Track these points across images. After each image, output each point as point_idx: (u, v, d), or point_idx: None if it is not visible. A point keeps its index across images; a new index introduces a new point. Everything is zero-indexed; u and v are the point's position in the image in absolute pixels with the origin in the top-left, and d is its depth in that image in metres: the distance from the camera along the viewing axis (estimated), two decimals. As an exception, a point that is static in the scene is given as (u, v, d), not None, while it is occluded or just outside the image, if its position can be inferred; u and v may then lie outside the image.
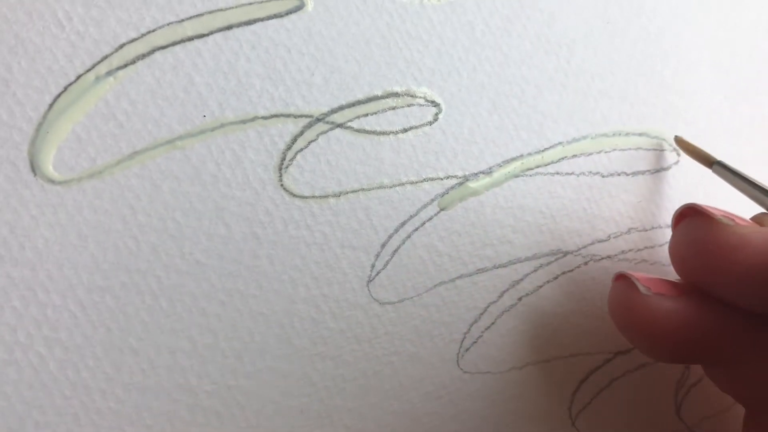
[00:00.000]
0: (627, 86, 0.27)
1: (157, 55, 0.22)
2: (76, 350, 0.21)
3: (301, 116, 0.23)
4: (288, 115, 0.23)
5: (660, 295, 0.21)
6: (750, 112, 0.29)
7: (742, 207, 0.24)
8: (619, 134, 0.27)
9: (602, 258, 0.26)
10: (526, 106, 0.25)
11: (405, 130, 0.24)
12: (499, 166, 0.25)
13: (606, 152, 0.26)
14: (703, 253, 0.21)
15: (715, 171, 0.25)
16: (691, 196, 0.28)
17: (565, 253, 0.26)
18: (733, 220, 0.21)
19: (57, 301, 0.21)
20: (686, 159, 0.28)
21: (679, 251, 0.22)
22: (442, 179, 0.24)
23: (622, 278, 0.23)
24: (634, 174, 0.27)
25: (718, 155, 0.28)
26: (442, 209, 0.24)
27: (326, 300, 0.23)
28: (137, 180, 0.21)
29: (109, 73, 0.21)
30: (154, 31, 0.22)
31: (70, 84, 0.21)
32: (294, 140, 0.23)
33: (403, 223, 0.24)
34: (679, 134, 0.27)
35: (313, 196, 0.23)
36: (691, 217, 0.22)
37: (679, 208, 0.23)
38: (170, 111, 0.22)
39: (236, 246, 0.22)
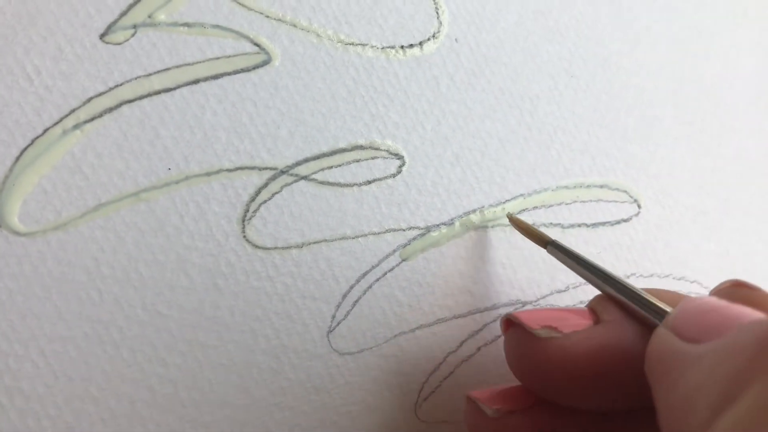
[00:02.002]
0: (589, 139, 0.27)
1: (125, 108, 0.22)
2: (38, 400, 0.21)
3: (265, 168, 0.23)
4: (253, 168, 0.23)
5: (508, 414, 0.22)
6: (712, 164, 0.30)
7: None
8: (580, 186, 0.27)
9: (561, 308, 0.27)
10: (488, 158, 0.26)
11: (369, 182, 0.25)
12: (461, 217, 0.26)
13: (566, 204, 0.27)
14: (528, 366, 0.21)
15: (549, 251, 0.24)
16: (652, 246, 0.28)
17: (525, 303, 0.26)
18: (554, 328, 0.21)
19: (19, 350, 0.21)
20: (647, 210, 0.28)
21: (508, 360, 0.22)
22: (404, 230, 0.25)
23: (469, 401, 0.23)
24: (594, 225, 0.27)
25: (680, 206, 0.29)
26: (403, 260, 0.25)
27: (286, 351, 0.23)
28: (101, 232, 0.22)
29: (77, 126, 0.22)
30: (121, 85, 0.22)
31: (38, 137, 0.21)
32: (258, 192, 0.23)
33: (364, 274, 0.24)
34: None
35: (276, 248, 0.23)
36: (513, 327, 0.22)
37: (504, 316, 0.22)
38: (136, 164, 0.22)
39: (198, 297, 0.23)
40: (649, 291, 0.22)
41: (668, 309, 0.20)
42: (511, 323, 0.22)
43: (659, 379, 0.17)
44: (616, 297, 0.21)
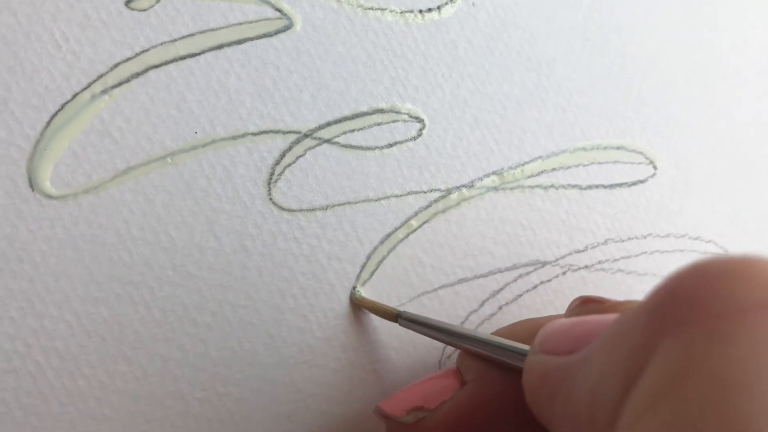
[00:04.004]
0: (605, 102, 0.28)
1: (151, 73, 0.23)
2: (72, 359, 0.22)
3: (289, 132, 0.24)
4: (277, 132, 0.24)
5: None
6: (725, 127, 0.30)
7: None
8: (598, 148, 0.28)
9: (580, 268, 0.27)
10: (507, 121, 0.26)
11: (390, 145, 0.25)
12: (481, 179, 0.26)
13: (584, 166, 0.27)
14: None
15: (401, 324, 0.24)
16: (667, 207, 0.29)
17: (544, 264, 0.27)
18: (420, 408, 0.21)
19: (54, 311, 0.22)
20: (663, 172, 0.29)
21: None
22: (425, 192, 0.25)
23: (380, 416, 0.23)
24: (611, 186, 0.28)
25: (695, 168, 0.29)
26: (425, 221, 0.25)
27: (313, 310, 0.24)
28: (131, 195, 0.22)
29: (104, 91, 0.22)
30: (147, 50, 0.23)
31: (67, 102, 0.22)
32: (282, 155, 0.24)
33: (388, 235, 0.25)
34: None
35: (301, 210, 0.24)
36: (385, 419, 0.22)
37: (374, 409, 0.23)
38: (163, 128, 0.23)
39: (226, 258, 0.23)
40: (506, 330, 0.22)
41: (524, 347, 0.19)
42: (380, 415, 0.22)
43: (550, 398, 0.17)
44: (475, 351, 0.21)
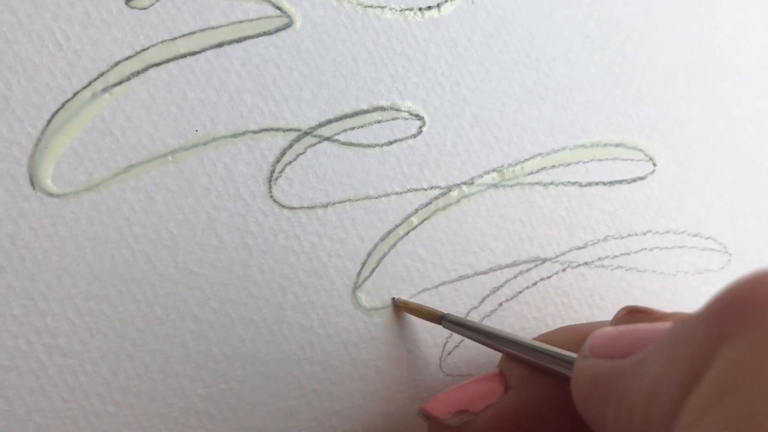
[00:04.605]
0: (605, 99, 0.28)
1: (152, 71, 0.23)
2: (75, 356, 0.22)
3: (290, 130, 0.24)
4: (277, 129, 0.24)
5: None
6: (724, 124, 0.30)
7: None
8: (597, 145, 0.28)
9: (579, 264, 0.27)
10: (506, 119, 0.26)
11: (390, 143, 0.25)
12: (481, 176, 0.26)
13: (584, 163, 0.27)
14: None
15: (444, 326, 0.24)
16: (667, 203, 0.29)
17: (544, 260, 0.27)
18: (465, 411, 0.21)
19: (56, 309, 0.22)
20: (662, 169, 0.29)
21: None
22: (425, 190, 0.25)
23: (426, 416, 0.23)
24: (611, 183, 0.28)
25: (694, 165, 0.29)
26: (425, 218, 0.25)
27: (314, 307, 0.24)
28: (132, 193, 0.22)
29: (105, 89, 0.22)
30: (148, 48, 0.23)
31: (68, 101, 0.22)
32: (283, 153, 0.24)
33: (388, 232, 0.25)
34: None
35: (302, 207, 0.24)
36: (429, 420, 0.22)
37: (418, 410, 0.23)
38: (164, 126, 0.23)
39: (228, 255, 0.23)
40: (546, 336, 0.22)
41: (571, 354, 0.20)
42: (424, 416, 0.22)
43: (601, 401, 0.17)
44: (519, 356, 0.22)
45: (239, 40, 0.23)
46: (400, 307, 0.25)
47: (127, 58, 0.22)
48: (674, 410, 0.14)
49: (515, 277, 0.26)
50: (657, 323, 0.18)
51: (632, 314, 0.21)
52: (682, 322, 0.15)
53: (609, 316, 0.27)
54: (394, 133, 0.25)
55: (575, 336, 0.21)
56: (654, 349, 0.16)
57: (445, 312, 0.24)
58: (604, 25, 0.28)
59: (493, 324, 0.26)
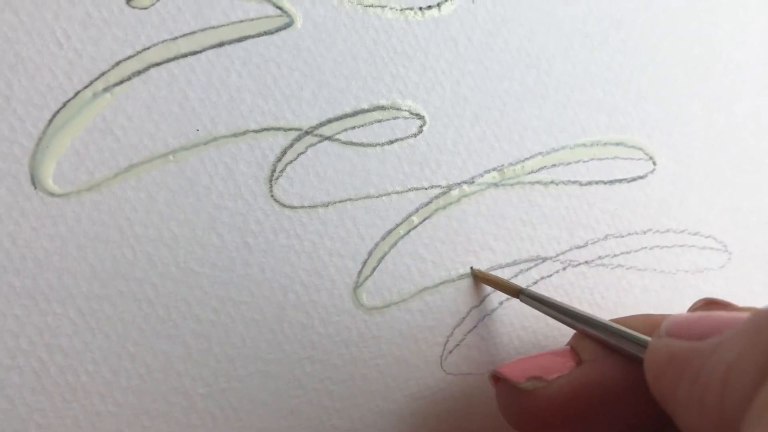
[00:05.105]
0: (605, 97, 0.28)
1: (153, 71, 0.23)
2: (76, 356, 0.22)
3: (290, 129, 0.24)
4: (278, 129, 0.24)
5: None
6: (725, 122, 0.30)
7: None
8: (597, 144, 0.28)
9: (580, 263, 0.27)
10: (507, 117, 0.26)
11: (391, 142, 0.25)
12: (481, 175, 0.26)
13: (584, 162, 0.28)
14: (520, 417, 0.22)
15: (521, 299, 0.25)
16: (667, 202, 0.29)
17: (544, 259, 0.27)
18: (538, 378, 0.22)
19: (57, 309, 0.22)
20: (662, 167, 0.29)
21: (502, 411, 0.23)
22: (426, 189, 0.25)
23: (499, 381, 0.23)
24: (611, 182, 0.28)
25: (695, 163, 0.29)
26: (426, 218, 0.25)
27: (315, 306, 0.24)
28: (133, 192, 0.22)
29: (106, 89, 0.22)
30: (149, 48, 0.23)
31: (69, 100, 0.22)
32: (284, 152, 0.24)
33: (389, 232, 0.25)
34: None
35: (303, 207, 0.24)
36: (500, 382, 0.23)
37: (490, 372, 0.23)
38: (165, 125, 0.23)
39: (229, 255, 0.23)
40: (622, 321, 0.22)
41: (646, 337, 0.20)
42: (498, 378, 0.23)
43: (674, 380, 0.17)
44: (594, 335, 0.22)
45: (240, 40, 0.23)
46: (478, 278, 0.26)
47: (128, 57, 0.22)
48: (749, 397, 0.14)
49: (516, 276, 0.27)
50: (735, 312, 0.18)
51: (709, 305, 0.21)
52: (765, 311, 0.16)
53: (610, 314, 0.27)
54: (395, 132, 0.25)
55: (651, 322, 0.21)
56: (732, 334, 0.16)
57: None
58: (603, 23, 0.28)
59: (494, 323, 0.26)
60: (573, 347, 0.23)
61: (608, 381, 0.21)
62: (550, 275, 0.27)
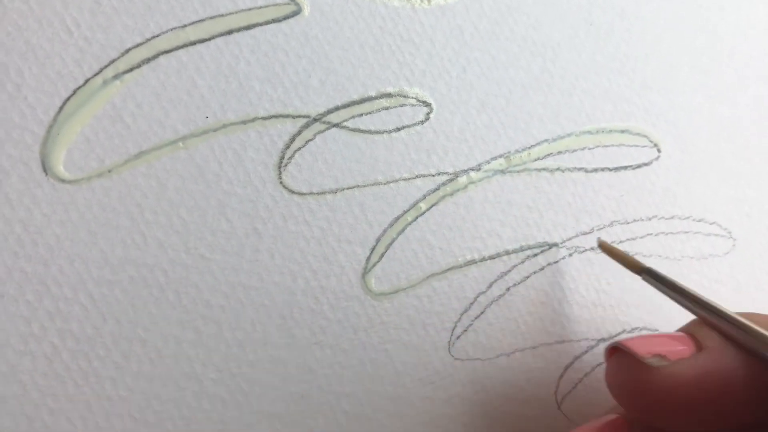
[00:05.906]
0: (610, 85, 0.28)
1: (162, 59, 0.23)
2: (87, 341, 0.22)
3: (299, 116, 0.24)
4: (286, 116, 0.24)
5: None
6: (729, 110, 0.30)
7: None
8: (603, 131, 0.28)
9: (586, 250, 0.28)
10: (513, 105, 0.27)
11: (398, 129, 0.25)
12: (488, 162, 0.26)
13: (590, 149, 0.28)
14: (636, 393, 0.21)
15: (644, 278, 0.24)
16: (672, 189, 0.29)
17: (551, 246, 0.27)
18: (663, 356, 0.21)
19: (68, 294, 0.22)
20: (667, 155, 0.29)
21: (612, 385, 0.22)
22: (433, 176, 0.26)
23: (618, 353, 0.22)
24: (616, 169, 0.28)
25: (699, 151, 0.29)
26: (433, 204, 0.26)
27: (324, 292, 0.24)
28: (144, 179, 0.22)
29: (116, 76, 0.22)
30: (158, 36, 0.23)
31: (79, 87, 0.22)
32: (292, 139, 0.24)
33: (397, 218, 0.25)
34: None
35: (311, 193, 0.24)
36: (619, 354, 0.22)
37: (610, 344, 0.23)
38: (174, 112, 0.23)
39: (238, 241, 0.23)
40: (745, 315, 0.22)
41: None
42: (616, 350, 0.22)
43: None
44: (715, 323, 0.22)
45: (248, 28, 0.24)
46: (604, 249, 0.26)
47: (138, 45, 0.23)
48: None
49: (523, 262, 0.27)
50: None
51: None
52: None
53: (616, 302, 0.27)
54: (402, 119, 0.25)
55: None
56: None
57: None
58: (608, 11, 0.28)
59: (501, 309, 0.26)
60: (692, 333, 0.22)
61: (731, 372, 0.21)
62: (557, 261, 0.27)
